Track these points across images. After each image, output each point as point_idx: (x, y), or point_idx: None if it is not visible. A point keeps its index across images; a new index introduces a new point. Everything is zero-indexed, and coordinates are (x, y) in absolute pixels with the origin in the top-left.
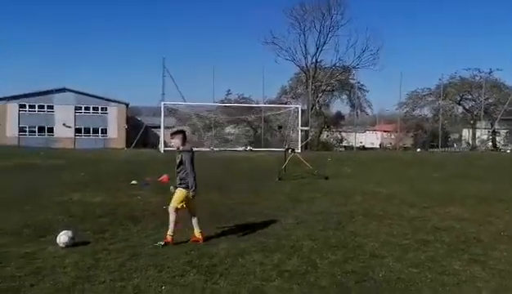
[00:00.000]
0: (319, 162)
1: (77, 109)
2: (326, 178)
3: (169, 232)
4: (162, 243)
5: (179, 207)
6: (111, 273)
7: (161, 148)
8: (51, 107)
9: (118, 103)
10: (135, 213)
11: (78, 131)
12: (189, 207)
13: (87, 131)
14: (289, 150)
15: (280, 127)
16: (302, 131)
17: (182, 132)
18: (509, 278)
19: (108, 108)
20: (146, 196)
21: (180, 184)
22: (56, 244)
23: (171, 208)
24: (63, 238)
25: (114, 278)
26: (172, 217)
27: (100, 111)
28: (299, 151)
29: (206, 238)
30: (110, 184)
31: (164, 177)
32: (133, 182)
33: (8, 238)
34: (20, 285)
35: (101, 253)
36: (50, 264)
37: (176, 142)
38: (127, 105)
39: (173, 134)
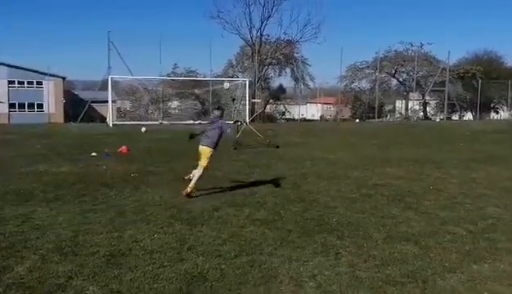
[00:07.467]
0: (267, 134)
1: (10, 83)
2: (277, 147)
3: None
4: None
5: None
6: (104, 226)
7: (110, 122)
8: None
9: (54, 77)
10: (106, 180)
11: (12, 106)
12: None
13: (21, 106)
14: (238, 122)
15: (233, 100)
16: (254, 103)
17: None
18: (436, 219)
19: (43, 82)
20: (111, 166)
21: None
22: (45, 206)
23: None
24: None
25: (109, 230)
26: None
27: (35, 85)
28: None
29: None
30: (69, 156)
31: (124, 148)
32: (93, 154)
33: None
34: (26, 238)
35: (89, 212)
36: (46, 222)
37: None
38: (63, 79)
39: None
